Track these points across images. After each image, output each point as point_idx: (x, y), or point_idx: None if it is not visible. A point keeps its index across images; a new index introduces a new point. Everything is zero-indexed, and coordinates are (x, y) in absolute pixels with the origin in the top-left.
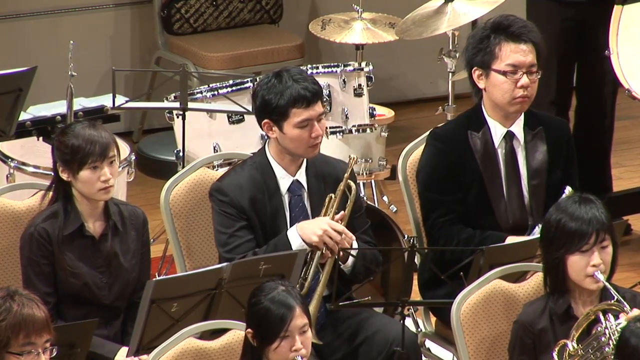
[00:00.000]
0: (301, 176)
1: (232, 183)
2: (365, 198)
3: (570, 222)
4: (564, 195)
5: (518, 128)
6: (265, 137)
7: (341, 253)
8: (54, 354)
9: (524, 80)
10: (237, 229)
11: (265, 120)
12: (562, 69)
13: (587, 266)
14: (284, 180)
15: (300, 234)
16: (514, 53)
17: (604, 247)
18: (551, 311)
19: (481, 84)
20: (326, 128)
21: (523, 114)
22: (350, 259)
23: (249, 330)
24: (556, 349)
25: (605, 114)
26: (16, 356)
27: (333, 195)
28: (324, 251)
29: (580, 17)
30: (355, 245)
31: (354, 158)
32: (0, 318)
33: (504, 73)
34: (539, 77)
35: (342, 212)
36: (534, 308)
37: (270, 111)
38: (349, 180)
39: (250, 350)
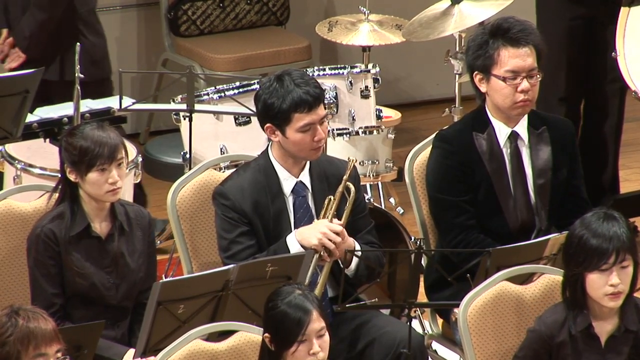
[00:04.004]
0: (305, 177)
1: (234, 186)
2: (371, 200)
3: (591, 239)
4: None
5: (522, 128)
6: (269, 140)
7: (344, 255)
8: None
9: (524, 85)
10: (237, 234)
11: (268, 125)
12: (570, 67)
13: (606, 285)
14: (288, 182)
15: (299, 240)
16: (513, 58)
17: (624, 267)
18: (571, 327)
19: (483, 88)
20: (333, 130)
21: (527, 114)
22: (354, 262)
23: (266, 334)
24: None
25: (612, 114)
26: None
27: (332, 198)
28: (322, 254)
29: (590, 15)
30: (357, 246)
31: (353, 160)
32: (8, 333)
33: (504, 79)
34: (539, 79)
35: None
36: (554, 319)
37: (272, 116)
38: (347, 183)
39: (267, 354)
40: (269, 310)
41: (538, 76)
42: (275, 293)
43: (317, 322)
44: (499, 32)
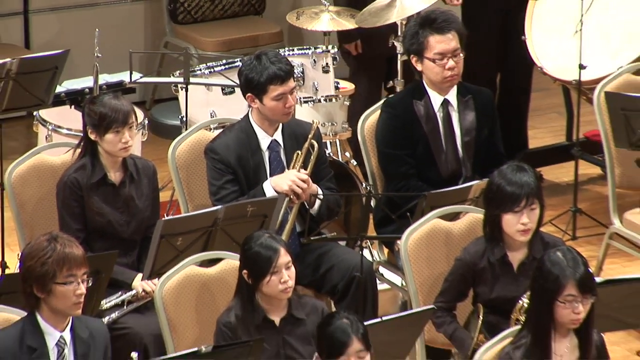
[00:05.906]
0: (278, 136)
1: (221, 143)
2: (330, 154)
3: (506, 187)
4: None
5: (452, 97)
6: (249, 106)
7: (309, 198)
8: (90, 284)
9: (451, 63)
10: (225, 181)
11: (248, 94)
12: (491, 50)
13: (517, 224)
14: (264, 140)
15: (273, 186)
16: (439, 43)
17: (533, 209)
18: (489, 256)
19: (418, 67)
20: (300, 98)
21: (456, 85)
22: (317, 204)
23: (244, 271)
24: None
25: (523, 86)
26: (62, 285)
27: (299, 152)
28: (291, 197)
29: (507, 8)
30: (319, 191)
31: (316, 122)
32: (47, 255)
33: (434, 60)
34: (463, 56)
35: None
36: (476, 250)
37: (252, 87)
38: (312, 140)
39: (245, 287)
40: (245, 251)
41: (461, 55)
42: (248, 238)
43: (284, 257)
44: (427, 22)
